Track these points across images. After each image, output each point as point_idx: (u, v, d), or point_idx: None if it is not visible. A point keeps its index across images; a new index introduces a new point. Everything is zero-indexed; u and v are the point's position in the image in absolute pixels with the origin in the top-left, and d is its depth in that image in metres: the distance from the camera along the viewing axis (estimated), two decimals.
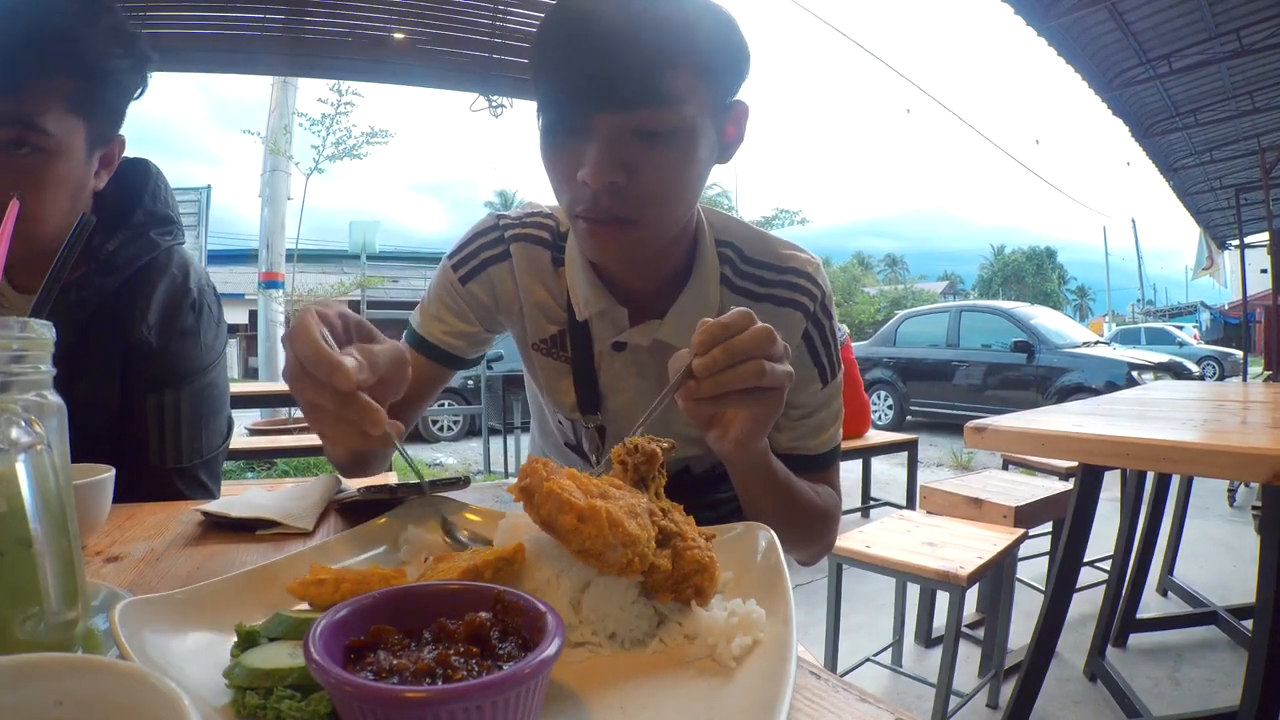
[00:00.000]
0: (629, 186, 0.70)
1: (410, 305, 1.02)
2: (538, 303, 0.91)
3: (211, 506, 0.81)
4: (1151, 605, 2.84)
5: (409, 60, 3.39)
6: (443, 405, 8.41)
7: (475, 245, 0.92)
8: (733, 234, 0.90)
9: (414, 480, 0.82)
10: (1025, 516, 2.36)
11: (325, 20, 3.22)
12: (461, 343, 0.93)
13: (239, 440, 3.27)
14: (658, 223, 0.75)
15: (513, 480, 0.51)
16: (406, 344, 0.94)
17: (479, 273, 0.91)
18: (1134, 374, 7.12)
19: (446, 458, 7.31)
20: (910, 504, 3.87)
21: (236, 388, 3.38)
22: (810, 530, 0.86)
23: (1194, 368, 8.37)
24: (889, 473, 5.40)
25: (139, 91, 1.02)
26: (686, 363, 0.59)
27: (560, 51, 0.70)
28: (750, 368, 0.58)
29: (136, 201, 1.07)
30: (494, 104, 3.60)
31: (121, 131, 1.03)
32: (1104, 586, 2.48)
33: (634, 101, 0.67)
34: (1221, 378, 14.50)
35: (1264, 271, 8.71)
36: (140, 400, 1.04)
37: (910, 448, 4.06)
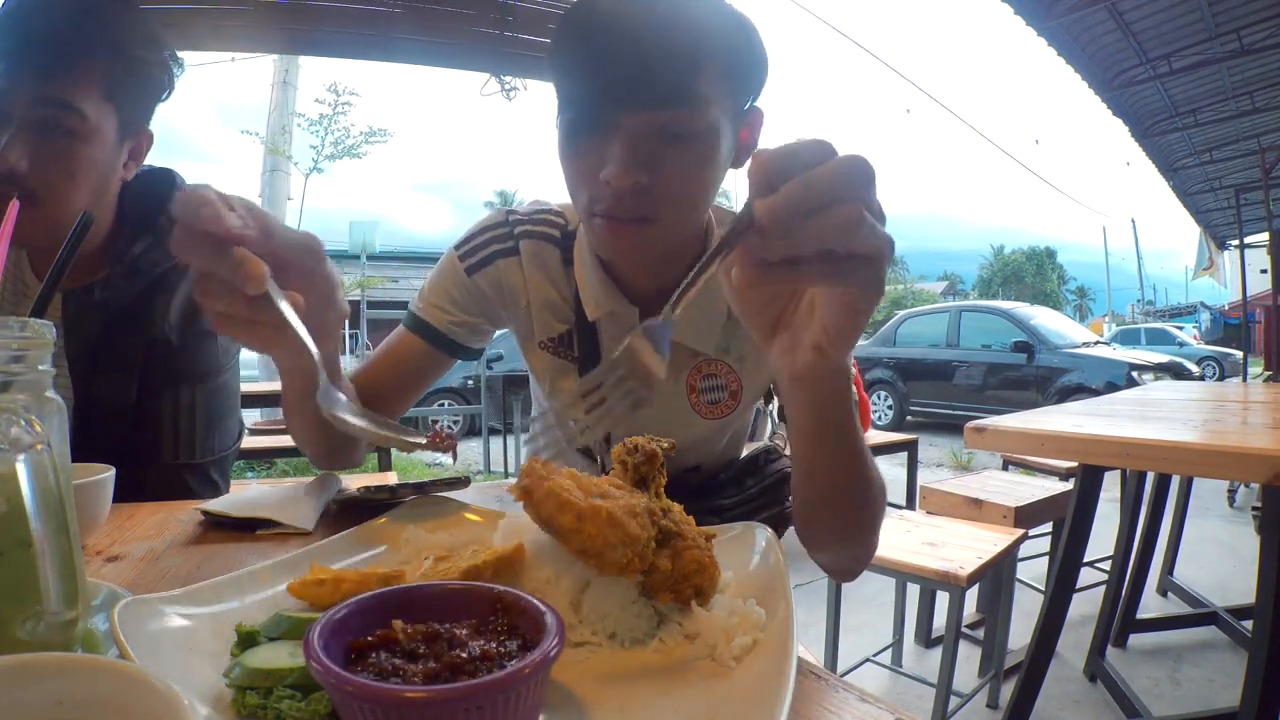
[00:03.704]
0: (651, 186, 0.70)
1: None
2: (546, 301, 0.91)
3: (211, 506, 0.82)
4: (1151, 605, 2.83)
5: (415, 36, 3.25)
6: (443, 405, 8.40)
7: (484, 237, 0.91)
8: None
9: (414, 480, 0.82)
10: (1025, 517, 2.36)
11: None
12: (463, 331, 0.92)
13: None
14: (676, 222, 0.75)
15: (513, 480, 0.51)
16: (405, 329, 0.93)
17: (486, 265, 0.90)
18: (1134, 374, 7.12)
19: (446, 458, 7.31)
20: (910, 504, 3.87)
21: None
22: (872, 511, 0.66)
23: (1194, 368, 8.36)
24: (889, 473, 5.35)
25: (166, 93, 1.06)
26: (744, 213, 0.41)
27: (586, 50, 0.69)
28: (844, 213, 0.39)
29: (161, 208, 1.10)
30: (506, 86, 3.48)
31: (149, 129, 1.05)
32: (1104, 586, 2.48)
33: (663, 102, 0.67)
34: (1221, 378, 14.48)
35: (1264, 272, 8.71)
36: (157, 397, 1.06)
37: (910, 448, 4.06)
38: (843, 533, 0.67)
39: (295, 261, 0.52)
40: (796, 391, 0.54)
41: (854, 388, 0.57)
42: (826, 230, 0.39)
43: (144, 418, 1.05)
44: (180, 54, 1.08)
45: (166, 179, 1.13)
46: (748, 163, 0.83)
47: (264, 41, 3.44)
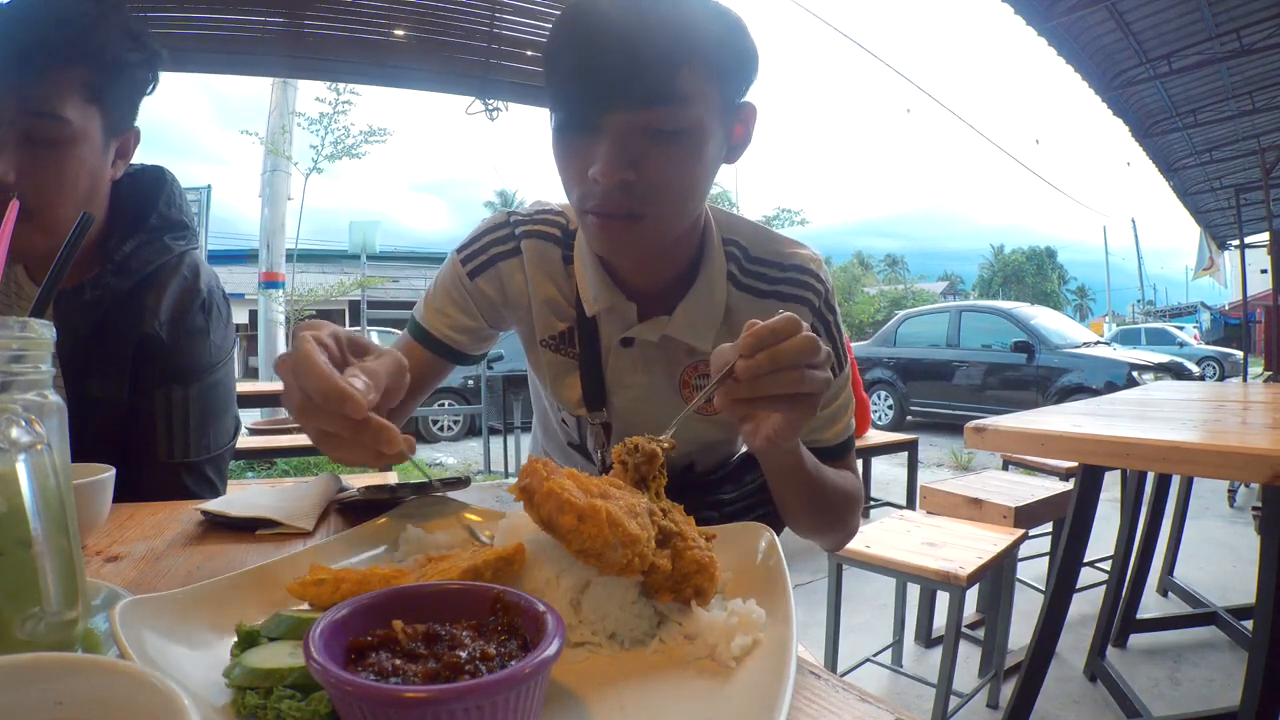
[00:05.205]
0: (638, 183, 0.72)
1: (410, 305, 1.02)
2: (547, 299, 0.92)
3: (211, 505, 0.82)
4: (1151, 605, 2.83)
5: (407, 63, 3.46)
6: (443, 405, 8.40)
7: (486, 240, 0.92)
8: (738, 232, 0.91)
9: (414, 480, 0.82)
10: (1025, 516, 2.36)
11: (325, 23, 3.27)
12: (464, 338, 0.93)
13: (238, 440, 3.29)
14: (665, 219, 0.76)
15: (513, 480, 0.51)
16: (408, 335, 0.95)
17: (488, 268, 0.91)
18: (1134, 374, 7.11)
19: (446, 458, 7.30)
20: (910, 504, 3.87)
21: (237, 387, 3.43)
22: (838, 517, 0.87)
23: (1194, 368, 8.35)
24: (889, 473, 5.40)
25: (150, 88, 1.05)
26: (729, 361, 0.59)
27: (573, 52, 0.71)
28: (792, 375, 0.58)
29: (152, 206, 1.09)
30: (490, 107, 3.67)
31: (136, 125, 1.05)
32: (1104, 586, 2.48)
33: (644, 101, 0.69)
34: (1221, 378, 14.48)
35: (1264, 272, 8.70)
36: (150, 395, 1.06)
37: (910, 448, 4.06)
38: (815, 524, 0.87)
39: (391, 387, 0.59)
40: (759, 457, 0.74)
41: (800, 446, 0.75)
42: (777, 384, 0.58)
43: (138, 416, 1.05)
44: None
45: (156, 177, 1.13)
46: (740, 158, 0.84)
47: (263, 66, 3.59)
